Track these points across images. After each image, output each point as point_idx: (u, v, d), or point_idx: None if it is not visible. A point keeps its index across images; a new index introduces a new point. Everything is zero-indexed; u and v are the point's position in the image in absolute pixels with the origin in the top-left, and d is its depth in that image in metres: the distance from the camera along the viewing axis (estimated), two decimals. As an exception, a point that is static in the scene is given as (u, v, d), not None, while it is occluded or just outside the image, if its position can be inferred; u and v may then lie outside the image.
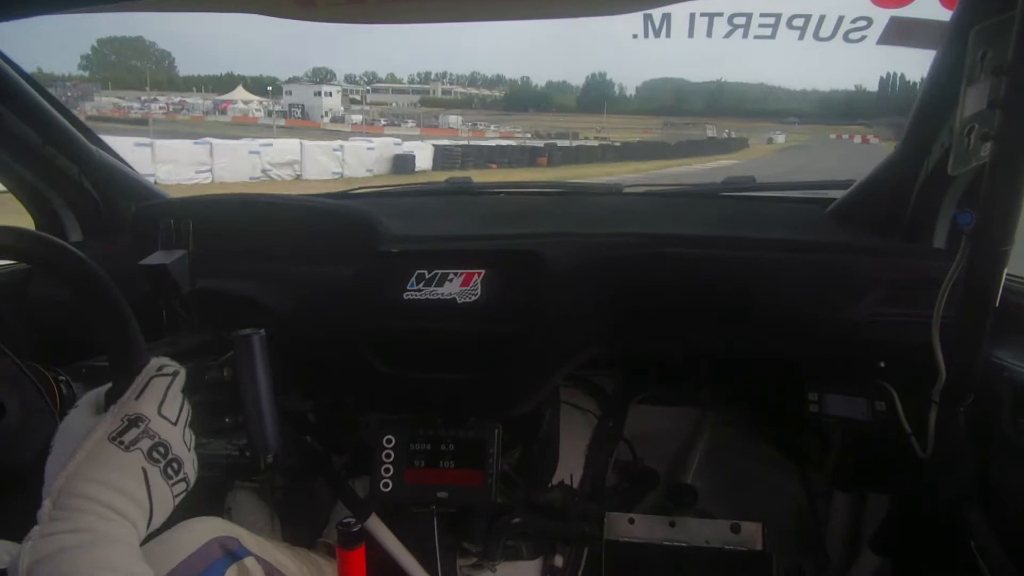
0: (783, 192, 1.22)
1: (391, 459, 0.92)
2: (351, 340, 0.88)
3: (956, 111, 0.68)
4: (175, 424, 0.49)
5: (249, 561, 0.67)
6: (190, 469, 0.50)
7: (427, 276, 0.86)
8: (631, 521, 1.09)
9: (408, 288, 0.86)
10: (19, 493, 0.55)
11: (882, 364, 0.89)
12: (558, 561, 1.09)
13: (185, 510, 0.80)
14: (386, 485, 0.91)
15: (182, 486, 0.49)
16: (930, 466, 0.79)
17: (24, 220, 1.09)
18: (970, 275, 0.66)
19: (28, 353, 0.64)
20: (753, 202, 1.23)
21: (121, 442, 0.45)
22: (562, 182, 1.33)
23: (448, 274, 0.86)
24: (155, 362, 0.50)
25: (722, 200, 1.23)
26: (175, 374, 0.51)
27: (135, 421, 0.47)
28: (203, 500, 1.02)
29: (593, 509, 1.11)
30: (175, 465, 0.48)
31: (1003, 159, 0.61)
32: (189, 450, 0.50)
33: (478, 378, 0.87)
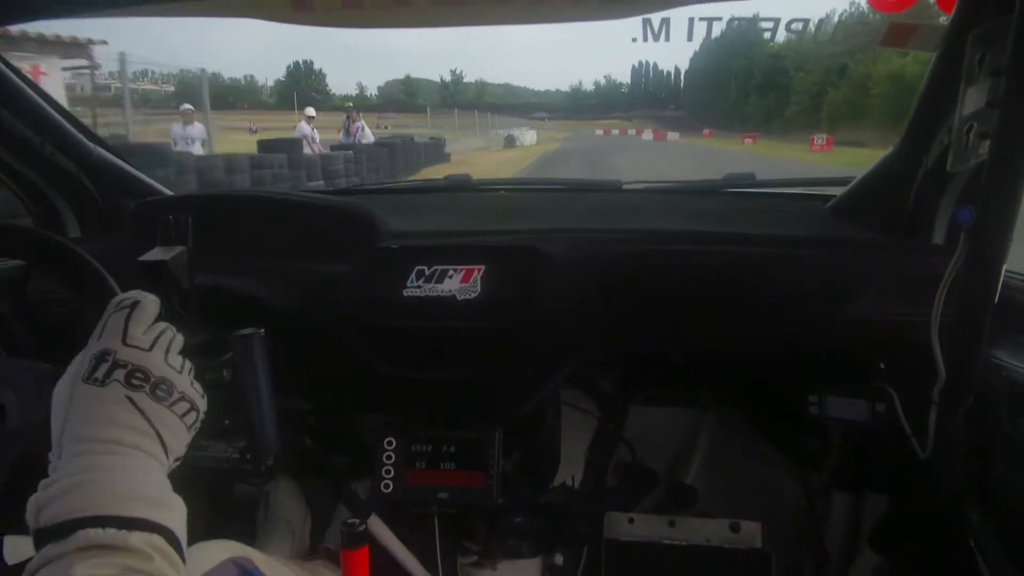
0: (783, 188, 1.23)
1: (392, 460, 0.91)
2: (351, 338, 0.88)
3: (955, 110, 0.68)
4: (148, 350, 0.47)
5: None
6: (188, 391, 0.48)
7: (427, 272, 0.86)
8: (631, 520, 1.09)
9: (408, 285, 0.86)
10: (19, 491, 0.55)
11: (881, 364, 0.90)
12: (558, 560, 1.09)
13: (187, 510, 0.80)
14: (387, 486, 0.91)
15: (184, 405, 0.48)
16: (930, 466, 0.79)
17: (23, 219, 1.09)
18: (969, 271, 0.66)
19: (27, 352, 0.64)
20: (753, 198, 1.23)
21: (96, 379, 0.45)
22: (561, 179, 1.33)
23: (448, 270, 0.86)
24: (113, 300, 0.49)
25: (722, 196, 1.24)
26: (134, 304, 0.49)
27: (101, 356, 0.46)
28: (205, 503, 1.02)
29: (593, 509, 1.11)
30: (163, 387, 0.46)
31: (1002, 157, 0.61)
32: (180, 372, 0.48)
33: (479, 376, 0.87)
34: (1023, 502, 0.69)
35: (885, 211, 0.92)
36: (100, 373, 0.45)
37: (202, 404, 0.50)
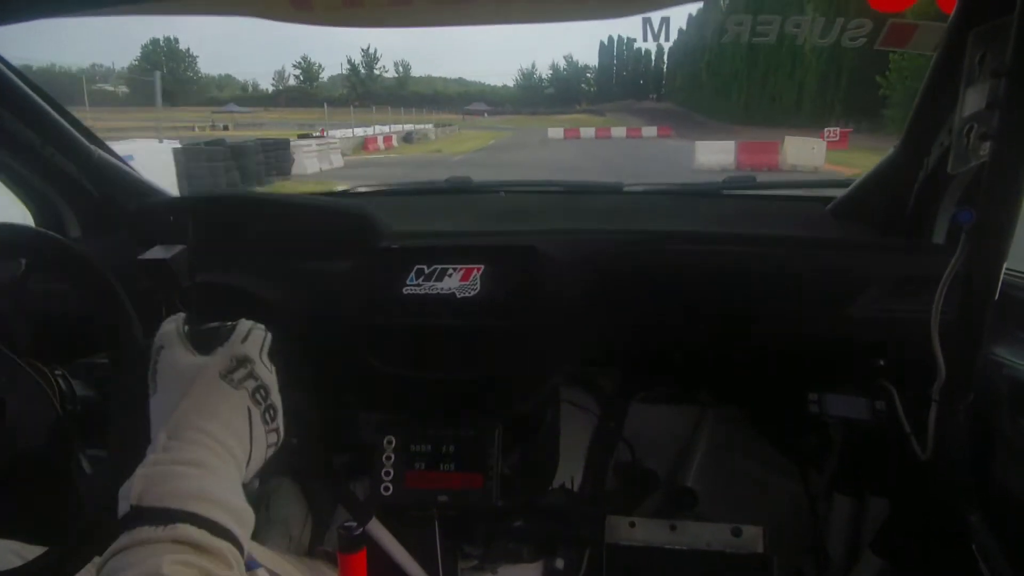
0: (783, 190, 1.23)
1: (391, 461, 0.91)
2: (350, 336, 0.88)
3: (955, 111, 0.68)
4: (272, 373, 0.50)
5: (260, 572, 0.67)
6: (281, 423, 0.50)
7: (426, 271, 0.86)
8: (632, 524, 1.09)
9: (407, 283, 0.86)
10: (19, 489, 0.55)
11: (881, 362, 0.90)
12: (559, 564, 1.09)
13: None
14: (386, 489, 0.90)
15: (275, 436, 0.50)
16: (930, 466, 0.79)
17: (25, 217, 1.09)
18: (970, 271, 0.66)
19: (26, 349, 0.64)
20: (753, 200, 1.23)
21: (231, 380, 0.47)
22: (562, 181, 1.33)
23: (447, 269, 0.86)
24: (243, 322, 0.52)
25: (723, 198, 1.24)
26: (267, 332, 0.52)
27: (243, 361, 0.48)
28: None
29: (593, 512, 1.11)
30: (272, 411, 0.49)
31: (1002, 158, 0.61)
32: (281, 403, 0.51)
33: (478, 375, 0.87)
34: (1022, 502, 0.69)
35: (886, 212, 0.92)
36: (237, 376, 0.47)
37: (283, 436, 0.52)
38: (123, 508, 0.40)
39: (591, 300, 0.87)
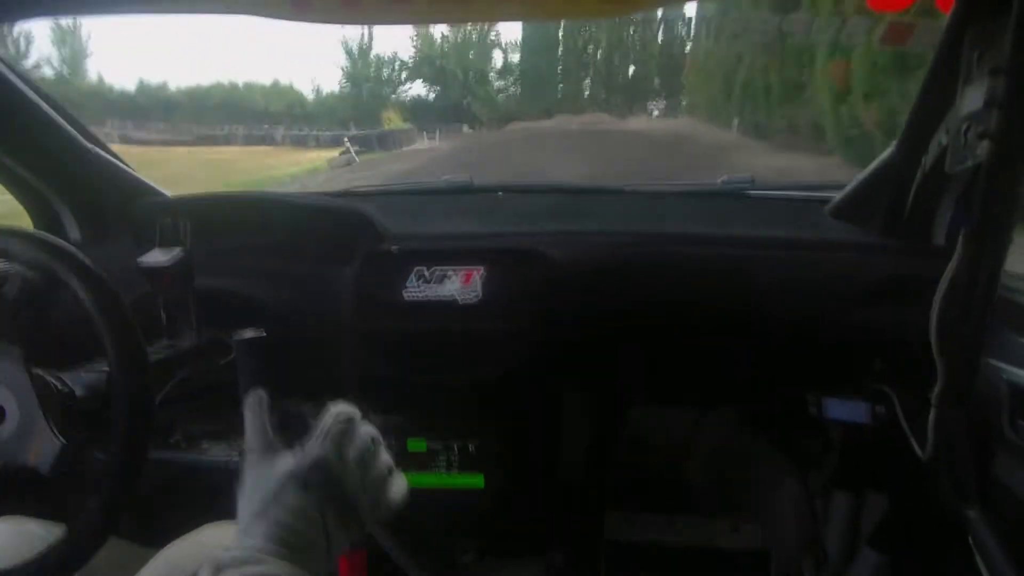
0: (781, 191, 1.23)
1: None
2: (350, 340, 0.88)
3: (952, 110, 0.68)
4: (352, 466, 0.51)
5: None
6: (366, 510, 0.51)
7: (426, 274, 0.86)
8: (631, 521, 1.09)
9: (407, 286, 0.86)
10: (19, 496, 0.56)
11: (880, 364, 0.90)
12: (558, 560, 1.09)
13: (189, 514, 0.81)
14: None
15: (356, 532, 0.51)
16: (929, 467, 0.79)
17: (23, 220, 1.09)
18: (968, 272, 0.66)
19: (25, 354, 0.64)
20: (751, 201, 1.23)
21: (306, 483, 0.49)
22: (563, 182, 1.33)
23: (448, 272, 0.86)
24: (334, 410, 0.53)
25: (721, 199, 1.24)
26: (350, 419, 0.53)
27: (316, 464, 0.49)
28: (205, 504, 1.02)
29: (593, 509, 1.11)
30: (349, 505, 0.50)
31: (1001, 157, 0.61)
32: (365, 492, 0.52)
33: (478, 379, 0.87)
34: (1022, 502, 0.70)
35: (883, 213, 0.92)
36: (311, 479, 0.49)
37: (370, 520, 0.52)
38: None
39: (592, 302, 0.88)
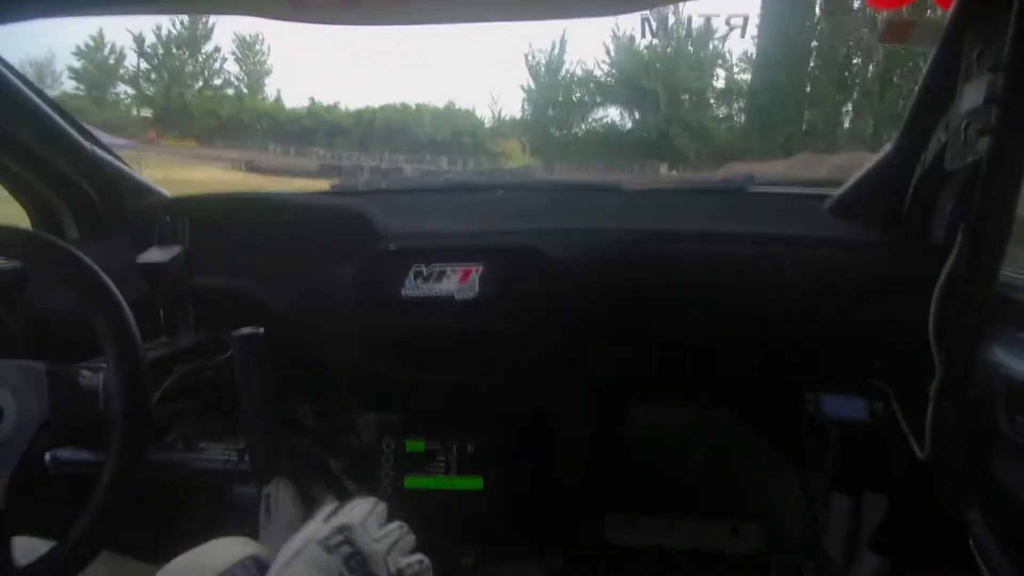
0: (780, 188, 1.23)
1: (390, 463, 0.91)
2: (349, 338, 0.88)
3: (952, 107, 0.68)
4: (376, 540, 0.55)
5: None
6: None
7: (425, 273, 0.86)
8: (630, 523, 1.09)
9: (406, 285, 0.86)
10: (19, 496, 0.55)
11: (879, 363, 0.90)
12: (557, 562, 1.09)
13: (189, 516, 0.80)
14: (385, 491, 0.91)
15: None
16: (928, 466, 0.79)
17: (22, 219, 1.09)
18: (967, 269, 0.66)
19: (23, 351, 0.64)
20: (751, 198, 1.23)
21: (327, 545, 0.52)
22: (561, 180, 1.34)
23: (446, 271, 0.86)
24: (359, 500, 0.59)
25: (721, 197, 1.24)
26: (377, 503, 0.59)
27: (340, 529, 0.54)
28: (205, 505, 1.02)
29: (593, 510, 1.11)
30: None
31: (1000, 154, 0.61)
32: (389, 571, 0.54)
33: (477, 377, 0.87)
34: (1022, 501, 0.69)
35: (882, 210, 0.92)
36: (333, 542, 0.53)
37: None
38: None
39: (590, 300, 0.87)
